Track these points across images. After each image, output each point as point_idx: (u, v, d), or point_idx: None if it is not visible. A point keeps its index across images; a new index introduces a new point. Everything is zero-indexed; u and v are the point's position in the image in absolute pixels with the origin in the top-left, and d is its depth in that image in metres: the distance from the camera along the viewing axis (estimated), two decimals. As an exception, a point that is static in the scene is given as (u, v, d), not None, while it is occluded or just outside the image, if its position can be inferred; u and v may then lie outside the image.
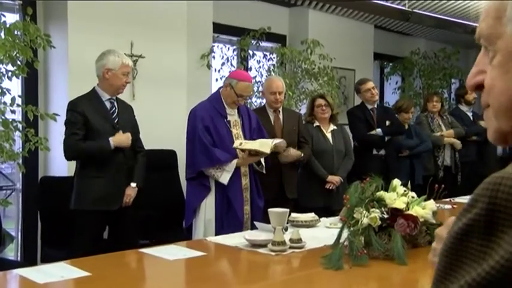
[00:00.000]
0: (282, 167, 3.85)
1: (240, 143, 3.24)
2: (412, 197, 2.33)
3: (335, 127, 4.32)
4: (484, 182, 0.61)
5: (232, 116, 3.42)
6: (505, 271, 0.55)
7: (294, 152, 3.84)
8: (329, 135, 4.26)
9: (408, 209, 2.26)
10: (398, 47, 7.44)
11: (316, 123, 4.27)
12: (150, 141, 3.97)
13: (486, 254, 0.57)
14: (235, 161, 3.27)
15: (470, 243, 0.59)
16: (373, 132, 4.67)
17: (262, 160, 3.45)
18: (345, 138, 4.36)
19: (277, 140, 3.46)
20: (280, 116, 3.99)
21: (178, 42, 4.60)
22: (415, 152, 4.99)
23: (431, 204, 2.31)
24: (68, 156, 3.23)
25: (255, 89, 5.21)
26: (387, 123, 4.74)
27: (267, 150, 3.23)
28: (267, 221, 2.70)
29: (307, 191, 4.15)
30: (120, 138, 3.19)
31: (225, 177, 3.26)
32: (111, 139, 3.16)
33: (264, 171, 3.49)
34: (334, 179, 4.15)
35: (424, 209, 2.28)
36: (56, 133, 3.87)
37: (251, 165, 3.46)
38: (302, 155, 3.89)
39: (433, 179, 2.62)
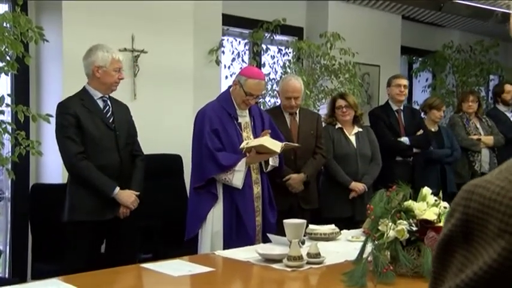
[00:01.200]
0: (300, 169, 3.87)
1: (247, 142, 3.27)
2: (444, 208, 2.31)
3: (360, 129, 4.32)
4: (462, 190, 0.66)
5: (243, 118, 3.44)
6: (482, 281, 0.60)
7: (297, 178, 3.85)
8: (352, 138, 4.26)
9: (440, 221, 2.24)
10: (429, 40, 7.40)
11: (338, 125, 4.28)
12: (153, 145, 3.99)
13: (464, 264, 0.63)
14: (243, 160, 3.29)
15: (452, 251, 0.65)
16: (399, 140, 4.65)
17: (271, 160, 3.45)
18: (371, 142, 4.35)
19: (291, 144, 3.47)
20: (297, 118, 4.00)
21: (183, 36, 4.62)
22: (444, 162, 4.98)
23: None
24: (69, 171, 3.27)
25: (268, 87, 5.23)
26: (418, 132, 4.72)
27: (277, 149, 3.25)
28: (282, 234, 2.70)
29: (327, 200, 4.15)
30: (126, 195, 3.22)
31: (237, 178, 3.27)
32: (117, 190, 3.20)
33: (267, 169, 3.49)
34: (358, 187, 4.13)
35: (458, 220, 2.27)
36: (49, 136, 3.88)
37: (263, 172, 3.47)
38: (305, 175, 3.88)
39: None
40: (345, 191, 4.14)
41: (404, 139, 4.65)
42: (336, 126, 4.27)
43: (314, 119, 4.08)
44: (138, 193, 3.30)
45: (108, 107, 3.31)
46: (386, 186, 2.36)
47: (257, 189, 3.41)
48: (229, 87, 3.52)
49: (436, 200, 2.32)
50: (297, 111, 4.01)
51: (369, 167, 4.26)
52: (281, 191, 3.77)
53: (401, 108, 4.81)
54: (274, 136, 3.41)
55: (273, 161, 3.47)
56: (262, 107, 5.22)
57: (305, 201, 3.93)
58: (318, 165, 4.02)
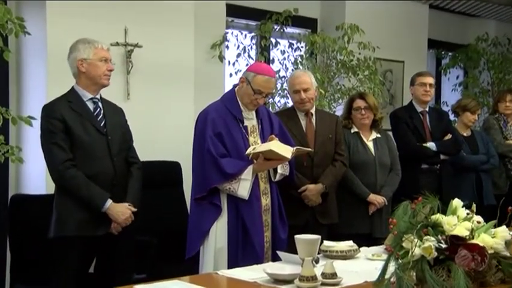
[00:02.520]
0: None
1: (254, 148, 3.28)
2: (478, 222, 2.31)
3: (378, 135, 4.32)
4: None
5: (250, 121, 3.46)
6: None
7: (314, 189, 3.85)
8: (370, 145, 4.27)
9: (473, 237, 2.24)
10: (460, 32, 7.40)
11: (355, 129, 4.28)
12: (149, 151, 4.00)
13: None
14: (250, 167, 3.29)
15: None
16: (424, 145, 4.64)
17: (279, 168, 3.45)
18: (391, 149, 4.36)
19: (304, 149, 3.48)
20: (313, 120, 4.01)
21: (183, 28, 4.65)
22: (480, 170, 4.96)
23: (503, 231, 2.29)
24: (55, 182, 3.28)
25: (278, 86, 5.23)
26: (446, 137, 4.71)
27: (288, 155, 3.25)
28: (293, 251, 2.70)
29: (344, 214, 4.15)
30: (119, 211, 3.23)
31: (244, 188, 3.27)
32: (110, 203, 3.20)
33: (276, 178, 3.50)
34: (377, 200, 4.14)
35: (494, 237, 2.26)
36: (31, 141, 3.92)
37: (272, 182, 3.48)
38: (324, 186, 3.88)
39: (505, 199, 2.60)
40: (362, 203, 4.15)
41: (431, 144, 4.64)
42: (352, 131, 4.28)
43: (333, 122, 4.08)
44: (134, 209, 3.30)
45: (99, 109, 3.33)
46: (410, 198, 2.36)
47: (266, 201, 3.43)
48: (234, 86, 3.54)
49: (468, 214, 2.30)
50: (313, 112, 4.02)
51: (388, 177, 4.27)
52: (296, 203, 3.78)
53: (427, 109, 4.80)
54: (284, 141, 3.41)
55: (281, 169, 3.47)
56: (270, 108, 5.24)
57: (323, 215, 3.93)
58: (338, 174, 4.00)
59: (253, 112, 3.48)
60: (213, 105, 3.47)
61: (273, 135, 3.37)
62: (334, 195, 4.06)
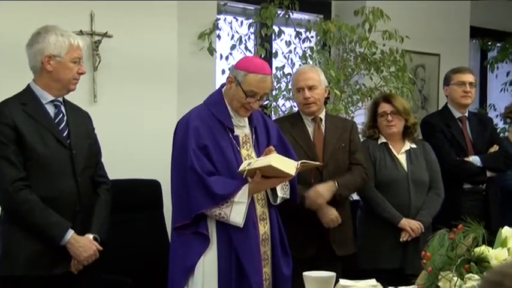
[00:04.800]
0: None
1: (249, 163, 3.25)
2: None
3: (412, 145, 4.32)
4: (486, 279, 0.69)
5: (242, 129, 3.45)
6: None
7: (322, 189, 3.84)
8: (402, 158, 4.27)
9: (526, 274, 2.25)
10: (511, 19, 7.45)
11: (382, 139, 4.29)
12: (121, 167, 4.02)
13: None
14: (245, 188, 3.29)
15: None
16: (466, 159, 4.63)
17: (279, 191, 3.43)
18: (430, 163, 4.34)
19: (310, 163, 3.48)
20: (323, 127, 4.03)
21: (163, 14, 4.65)
22: None
23: None
24: (2, 206, 3.25)
25: (283, 85, 5.24)
26: (492, 149, 4.70)
27: (291, 171, 3.23)
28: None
29: (367, 244, 4.15)
30: (82, 246, 3.20)
31: (237, 213, 3.24)
32: (71, 235, 3.17)
33: (277, 202, 3.49)
34: (411, 226, 4.12)
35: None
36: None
37: (272, 205, 3.47)
38: (335, 184, 3.88)
39: None
40: (392, 231, 4.13)
41: (474, 158, 4.62)
42: (379, 141, 4.29)
43: (347, 128, 4.09)
44: (100, 248, 3.27)
45: (61, 115, 3.30)
46: (449, 225, 2.37)
47: (264, 228, 3.41)
48: (222, 86, 3.52)
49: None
50: (323, 117, 4.04)
51: (426, 198, 4.25)
52: (301, 229, 3.78)
53: (466, 115, 4.80)
54: (284, 154, 3.38)
55: (281, 191, 3.46)
56: (273, 113, 5.24)
57: (338, 245, 3.94)
58: (356, 178, 3.98)
59: (246, 119, 3.48)
60: (195, 110, 3.45)
61: (271, 147, 3.35)
62: (349, 220, 4.07)
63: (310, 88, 3.92)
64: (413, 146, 4.32)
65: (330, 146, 3.98)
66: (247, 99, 3.33)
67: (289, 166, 3.23)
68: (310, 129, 4.00)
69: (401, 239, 4.12)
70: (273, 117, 5.02)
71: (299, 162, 3.30)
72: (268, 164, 3.17)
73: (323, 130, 4.02)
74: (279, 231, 3.48)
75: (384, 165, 4.23)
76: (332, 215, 3.86)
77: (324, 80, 4.04)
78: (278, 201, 3.47)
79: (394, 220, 4.13)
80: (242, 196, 3.25)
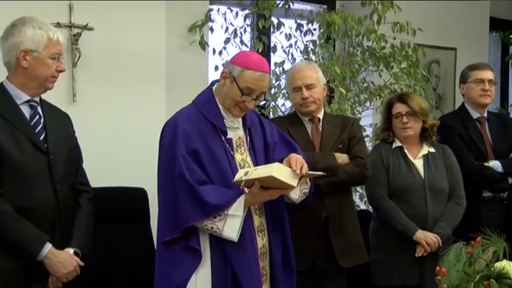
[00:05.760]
0: (329, 209, 3.88)
1: (246, 172, 3.21)
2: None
3: (431, 149, 4.32)
4: None
5: (235, 131, 3.44)
6: None
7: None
8: (418, 163, 4.28)
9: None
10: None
11: (397, 143, 4.30)
12: (104, 174, 4.03)
13: None
14: (241, 199, 3.27)
15: None
16: (486, 164, 4.63)
17: (296, 192, 3.39)
18: (451, 168, 4.34)
19: (313, 173, 3.46)
20: (320, 127, 4.04)
21: (150, 4, 4.65)
22: None
23: None
24: None
25: (282, 83, 5.23)
26: None
27: (293, 182, 3.21)
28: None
29: (380, 259, 4.16)
30: (61, 262, 3.20)
31: (231, 227, 3.21)
32: (48, 249, 3.16)
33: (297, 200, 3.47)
34: (427, 238, 4.12)
35: None
36: None
37: (271, 214, 3.44)
38: (346, 159, 3.93)
39: None
40: (408, 245, 4.13)
41: (494, 163, 4.63)
42: (394, 145, 4.29)
43: (346, 127, 4.09)
44: (81, 264, 3.26)
45: (38, 117, 3.31)
46: (466, 237, 2.37)
47: (262, 241, 3.39)
48: (213, 83, 3.53)
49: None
50: (321, 117, 4.05)
51: (445, 207, 4.24)
52: (300, 235, 3.73)
53: (485, 115, 4.80)
54: (290, 150, 3.41)
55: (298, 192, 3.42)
56: (272, 114, 5.24)
57: (343, 255, 3.92)
58: (354, 167, 3.96)
59: (239, 119, 3.47)
60: (184, 111, 3.43)
61: (278, 163, 3.29)
62: (356, 223, 4.06)
63: (308, 87, 3.94)
64: (432, 150, 4.32)
65: (326, 147, 3.99)
66: (242, 97, 3.32)
67: (291, 177, 3.21)
68: (309, 130, 4.02)
69: (416, 254, 4.12)
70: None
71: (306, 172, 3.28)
72: (269, 174, 3.13)
73: (321, 131, 4.03)
74: (282, 243, 3.47)
75: (398, 171, 4.23)
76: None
77: (322, 78, 4.06)
78: (299, 198, 3.44)
79: (409, 232, 4.13)
80: (237, 209, 3.22)
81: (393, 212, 4.15)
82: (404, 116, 4.23)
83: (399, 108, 4.25)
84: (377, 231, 4.28)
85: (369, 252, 4.16)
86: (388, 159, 4.24)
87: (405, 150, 4.28)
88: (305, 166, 3.26)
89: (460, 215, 4.26)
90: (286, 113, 5.17)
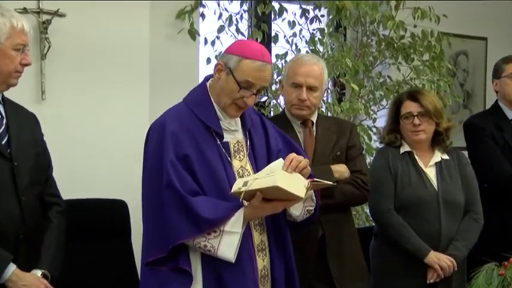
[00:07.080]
0: (325, 226, 3.88)
1: (245, 182, 3.18)
2: None
3: (445, 156, 4.31)
4: None
5: (233, 134, 3.45)
6: None
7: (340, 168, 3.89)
8: (431, 172, 4.27)
9: None
10: None
11: (406, 148, 4.28)
12: (78, 184, 4.05)
13: None
14: (240, 213, 3.24)
15: None
16: None
17: (297, 208, 3.40)
18: (467, 179, 4.33)
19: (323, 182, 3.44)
20: (314, 132, 4.03)
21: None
22: None
23: None
24: None
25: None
26: None
27: (300, 193, 3.17)
28: None
29: (385, 282, 4.18)
30: (27, 284, 3.19)
31: (228, 245, 3.19)
32: (12, 270, 3.16)
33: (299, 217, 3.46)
34: (441, 262, 4.10)
35: None
36: None
37: (272, 232, 3.44)
38: (346, 173, 3.91)
39: None
40: (416, 267, 4.12)
41: None
42: (402, 150, 4.28)
43: (343, 133, 4.09)
44: (51, 287, 3.26)
45: (0, 118, 3.32)
46: (497, 257, 2.36)
47: (263, 262, 3.38)
48: (206, 79, 3.51)
49: None
50: (314, 120, 4.05)
51: (460, 224, 4.23)
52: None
53: (522, 114, 4.80)
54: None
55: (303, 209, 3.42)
56: (272, 113, 5.23)
57: (341, 281, 3.93)
58: (354, 189, 3.95)
59: (238, 120, 3.46)
60: (173, 111, 3.44)
61: (281, 159, 3.30)
62: (357, 245, 4.06)
63: (311, 88, 3.92)
64: (446, 157, 4.30)
65: (321, 155, 3.98)
66: (240, 91, 3.30)
67: (298, 186, 3.15)
68: (300, 135, 4.02)
69: (428, 280, 4.10)
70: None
71: (308, 181, 3.23)
72: (272, 184, 3.08)
73: (315, 136, 4.02)
74: (285, 264, 3.45)
75: (407, 181, 4.21)
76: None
77: (327, 81, 4.06)
78: (302, 215, 3.45)
79: (420, 254, 4.12)
80: (235, 224, 3.20)
81: (402, 230, 4.13)
82: (416, 117, 4.19)
83: (410, 107, 4.22)
84: (379, 250, 4.29)
85: (371, 274, 4.18)
86: (396, 167, 4.22)
87: (415, 157, 4.27)
88: (304, 166, 3.24)
89: (477, 233, 4.24)
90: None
